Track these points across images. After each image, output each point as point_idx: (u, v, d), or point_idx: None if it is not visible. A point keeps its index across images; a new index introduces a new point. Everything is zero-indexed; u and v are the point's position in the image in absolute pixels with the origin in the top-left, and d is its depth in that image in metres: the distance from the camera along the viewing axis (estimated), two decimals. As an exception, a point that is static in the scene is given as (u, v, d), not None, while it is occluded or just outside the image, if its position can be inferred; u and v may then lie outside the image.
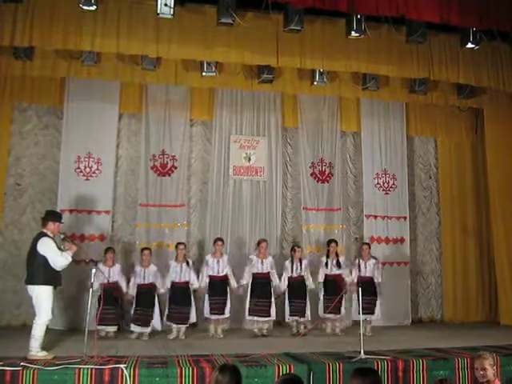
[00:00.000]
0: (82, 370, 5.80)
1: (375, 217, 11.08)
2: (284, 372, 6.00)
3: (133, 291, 8.78)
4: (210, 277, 8.97)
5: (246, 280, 9.07)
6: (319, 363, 6.32)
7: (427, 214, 11.82)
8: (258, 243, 9.33)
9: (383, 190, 11.24)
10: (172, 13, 7.70)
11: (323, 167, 11.08)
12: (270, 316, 9.01)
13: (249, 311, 8.94)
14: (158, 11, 7.66)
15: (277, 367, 6.10)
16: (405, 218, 11.23)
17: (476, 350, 7.02)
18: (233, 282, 9.05)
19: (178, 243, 9.19)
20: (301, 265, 9.25)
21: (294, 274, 9.19)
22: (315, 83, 10.11)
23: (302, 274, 9.22)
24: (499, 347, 7.40)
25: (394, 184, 11.31)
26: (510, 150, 11.05)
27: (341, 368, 6.21)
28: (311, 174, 11.00)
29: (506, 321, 10.66)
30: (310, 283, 9.27)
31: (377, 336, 9.04)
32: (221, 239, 9.29)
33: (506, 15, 8.26)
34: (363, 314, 8.95)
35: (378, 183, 11.22)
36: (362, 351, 6.65)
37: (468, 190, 11.79)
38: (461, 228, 11.62)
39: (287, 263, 9.33)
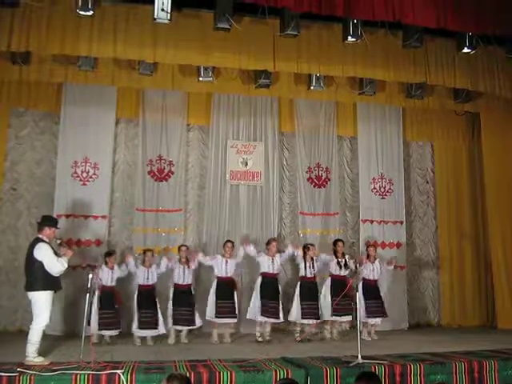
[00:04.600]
0: (78, 376, 5.78)
1: (371, 221, 11.09)
2: (281, 377, 5.99)
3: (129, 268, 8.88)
4: (218, 278, 9.01)
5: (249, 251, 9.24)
6: (316, 368, 6.31)
7: (424, 219, 11.83)
8: (268, 243, 9.34)
9: (380, 194, 11.25)
10: (169, 18, 7.70)
11: (320, 172, 11.10)
12: (278, 317, 9.02)
13: (260, 312, 8.91)
14: (155, 16, 7.66)
15: (274, 372, 6.09)
16: (401, 222, 11.23)
17: (474, 355, 7.05)
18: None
19: (181, 245, 9.29)
20: (313, 264, 9.25)
21: (308, 274, 9.21)
22: (312, 88, 10.14)
23: (314, 274, 9.25)
24: (497, 351, 7.40)
25: (390, 188, 11.32)
26: (506, 153, 11.09)
27: (338, 373, 6.20)
28: (308, 179, 11.02)
29: (503, 325, 10.68)
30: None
31: (374, 340, 9.06)
32: (231, 241, 9.32)
33: (501, 20, 8.29)
34: (374, 316, 9.08)
35: (374, 188, 11.23)
36: (359, 356, 6.64)
37: (465, 194, 11.82)
38: (458, 232, 11.64)
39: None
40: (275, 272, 9.14)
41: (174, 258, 9.17)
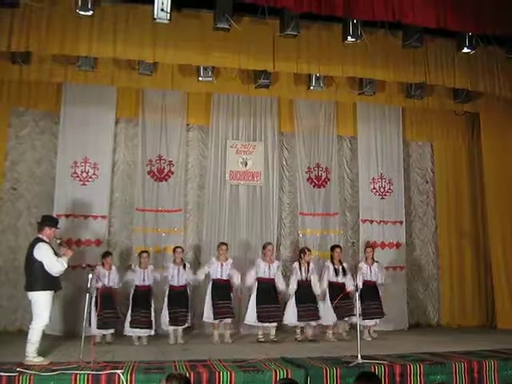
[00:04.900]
0: (78, 376, 5.77)
1: (371, 221, 11.09)
2: (281, 377, 5.98)
3: (129, 277, 8.86)
4: (213, 280, 8.97)
5: (249, 282, 9.07)
6: (316, 368, 6.30)
7: (423, 219, 11.83)
8: (264, 247, 9.32)
9: (379, 194, 11.26)
10: (169, 18, 7.71)
11: (319, 172, 11.10)
12: (280, 320, 9.03)
13: (258, 317, 8.87)
14: (155, 16, 7.67)
15: (274, 372, 6.07)
16: (401, 222, 11.23)
17: (473, 355, 7.05)
18: (237, 281, 9.07)
19: (176, 247, 9.22)
20: (308, 268, 9.23)
21: (303, 278, 9.17)
22: (312, 88, 10.15)
23: (309, 277, 9.20)
24: (496, 351, 7.40)
25: (390, 188, 11.32)
26: (505, 153, 11.10)
27: (338, 373, 6.19)
28: (307, 179, 11.02)
29: (502, 325, 10.69)
30: (316, 289, 9.21)
31: (374, 341, 9.07)
32: (225, 243, 9.28)
33: (501, 20, 8.29)
34: (371, 318, 9.08)
35: (374, 188, 11.24)
36: (359, 356, 6.64)
37: (464, 194, 11.82)
38: (457, 232, 11.65)
39: (295, 265, 9.29)
40: (271, 277, 9.09)
41: (167, 268, 9.04)
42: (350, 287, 9.09)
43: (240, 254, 10.29)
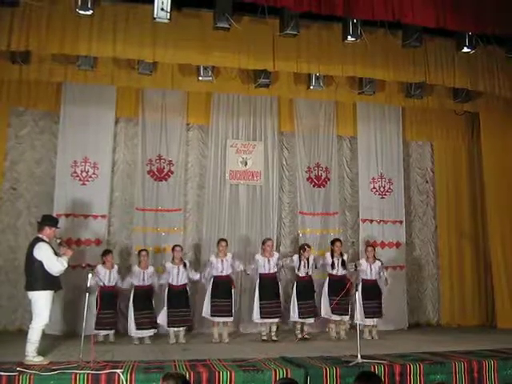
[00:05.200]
0: (78, 376, 5.77)
1: (371, 221, 11.09)
2: (281, 376, 5.98)
3: (127, 285, 8.83)
4: (214, 277, 8.96)
5: (251, 270, 9.17)
6: (316, 367, 6.30)
7: (423, 218, 11.83)
8: (263, 242, 9.32)
9: (379, 194, 11.26)
10: (168, 17, 7.70)
11: (319, 172, 11.09)
12: (281, 316, 9.11)
13: (260, 314, 8.91)
14: (155, 15, 7.66)
15: (274, 372, 6.08)
16: (401, 222, 11.23)
17: (473, 354, 7.05)
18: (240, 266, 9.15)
19: (175, 245, 9.22)
20: (308, 264, 9.23)
21: (303, 273, 9.19)
22: (311, 87, 10.15)
23: (310, 273, 9.24)
24: (496, 351, 7.40)
25: (390, 188, 11.32)
26: (505, 153, 11.11)
27: (338, 372, 6.19)
28: (307, 179, 11.02)
29: (502, 324, 10.69)
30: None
31: (374, 340, 9.07)
32: (224, 240, 9.27)
33: (501, 20, 8.29)
34: (371, 317, 9.11)
35: (374, 187, 11.23)
36: (359, 355, 6.64)
37: (464, 194, 11.82)
38: (457, 232, 11.65)
39: (295, 257, 9.29)
40: (272, 272, 9.11)
41: (165, 268, 9.04)
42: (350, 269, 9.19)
43: (239, 253, 10.28)
